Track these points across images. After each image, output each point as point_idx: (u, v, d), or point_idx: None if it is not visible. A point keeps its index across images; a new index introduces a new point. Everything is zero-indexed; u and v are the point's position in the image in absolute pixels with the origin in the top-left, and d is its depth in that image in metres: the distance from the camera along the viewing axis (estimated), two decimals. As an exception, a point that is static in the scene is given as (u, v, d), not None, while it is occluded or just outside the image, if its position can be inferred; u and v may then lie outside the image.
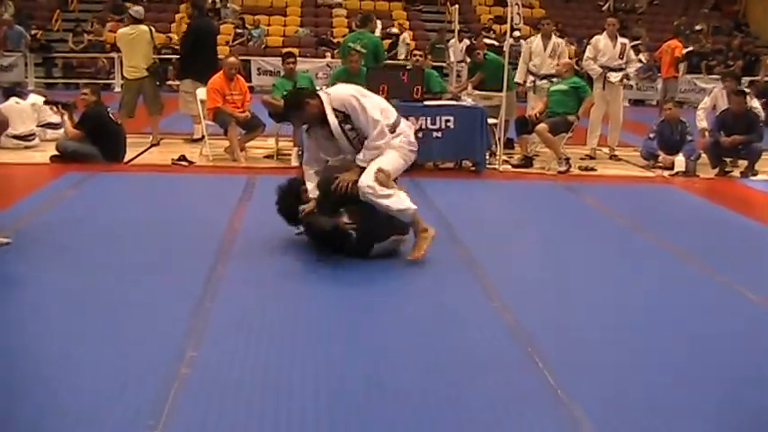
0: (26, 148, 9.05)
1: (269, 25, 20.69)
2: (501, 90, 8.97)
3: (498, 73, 9.09)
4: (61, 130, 9.25)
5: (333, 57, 17.75)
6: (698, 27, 20.25)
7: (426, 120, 8.09)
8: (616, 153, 9.99)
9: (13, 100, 9.40)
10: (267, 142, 9.50)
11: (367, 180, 4.86)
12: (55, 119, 9.62)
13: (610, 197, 7.70)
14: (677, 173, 8.84)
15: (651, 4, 23.35)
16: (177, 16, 19.59)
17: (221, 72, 8.87)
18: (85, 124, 8.24)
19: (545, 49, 9.94)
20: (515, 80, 10.02)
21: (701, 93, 16.06)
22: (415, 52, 10.07)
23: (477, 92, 9.72)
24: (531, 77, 10.03)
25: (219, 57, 10.36)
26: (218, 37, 13.70)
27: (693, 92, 17.50)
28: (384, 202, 4.87)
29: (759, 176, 8.86)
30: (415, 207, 4.99)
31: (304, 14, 21.62)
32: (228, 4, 20.74)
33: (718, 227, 6.66)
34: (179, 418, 2.89)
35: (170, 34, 18.36)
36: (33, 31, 18.46)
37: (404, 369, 3.41)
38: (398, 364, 3.47)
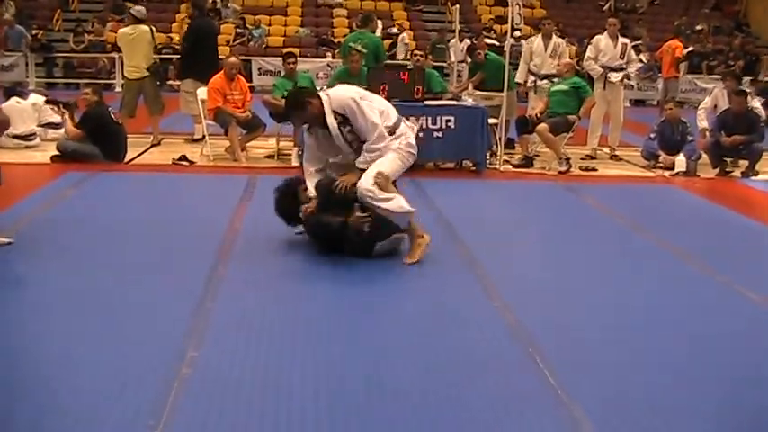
0: (27, 147, 9.05)
1: (270, 25, 20.70)
2: (502, 90, 8.97)
3: (499, 73, 9.09)
4: (62, 130, 9.25)
5: (333, 57, 17.76)
6: (699, 27, 20.25)
7: (427, 120, 8.09)
8: (617, 153, 9.99)
9: (13, 100, 9.41)
10: (268, 142, 9.50)
11: (366, 183, 4.86)
12: (56, 119, 9.63)
13: (610, 197, 7.69)
14: (678, 173, 8.84)
15: (652, 4, 23.34)
16: (178, 16, 19.59)
17: (222, 72, 8.87)
18: (87, 124, 8.25)
19: (546, 49, 9.94)
20: (516, 80, 10.02)
21: (701, 93, 16.04)
22: (416, 52, 10.06)
23: (477, 92, 9.71)
24: (531, 77, 10.03)
25: (220, 57, 10.37)
26: (219, 37, 13.70)
27: (694, 92, 17.50)
28: (383, 205, 4.88)
29: (760, 176, 8.85)
30: (413, 210, 4.99)
31: (305, 14, 21.63)
32: (229, 4, 20.75)
33: (718, 227, 6.66)
34: (179, 418, 2.90)
35: (171, 34, 18.37)
36: (34, 31, 18.49)
37: (404, 369, 3.41)
38: (398, 364, 3.47)
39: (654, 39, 19.25)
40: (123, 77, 10.70)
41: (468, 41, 13.78)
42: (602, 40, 10.03)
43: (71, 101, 9.14)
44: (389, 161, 4.99)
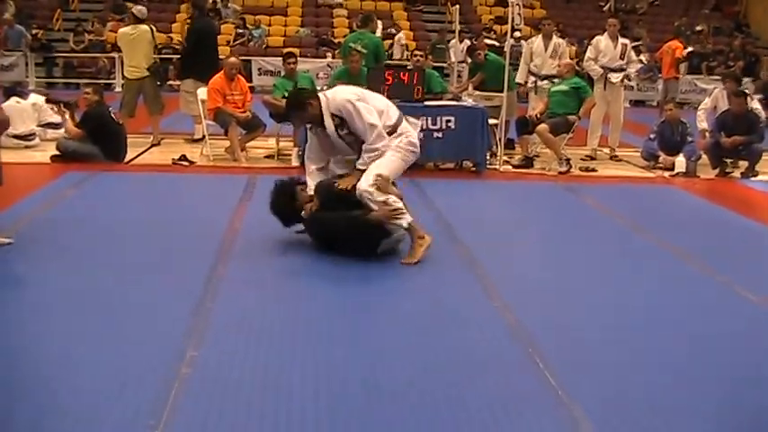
0: (27, 147, 9.05)
1: (270, 25, 20.71)
2: (502, 90, 8.97)
3: (499, 73, 9.09)
4: (62, 130, 9.25)
5: (334, 57, 17.76)
6: (698, 28, 20.25)
7: (427, 120, 8.08)
8: (617, 154, 10.00)
9: (13, 99, 9.41)
10: (268, 142, 9.51)
11: (365, 185, 4.86)
12: (55, 119, 9.63)
13: (610, 198, 7.69)
14: (678, 173, 8.85)
15: (652, 5, 23.35)
16: (178, 16, 19.61)
17: (222, 72, 8.88)
18: (87, 124, 8.25)
19: (546, 49, 9.95)
20: (517, 80, 10.03)
21: (701, 93, 16.04)
22: (416, 52, 10.06)
23: (477, 92, 9.72)
24: (532, 78, 10.04)
25: (220, 57, 10.37)
26: (219, 37, 13.73)
27: (694, 92, 17.50)
28: (381, 207, 4.88)
29: (759, 177, 8.85)
30: (409, 219, 4.99)
31: (305, 14, 21.63)
32: (229, 5, 20.76)
33: (718, 227, 6.66)
34: (179, 418, 2.90)
35: (171, 34, 18.39)
36: (34, 31, 18.49)
37: (403, 369, 3.41)
38: (398, 364, 3.47)
39: (654, 39, 19.25)
40: (123, 77, 10.69)
41: (468, 42, 13.79)
42: (603, 40, 10.03)
43: (72, 100, 9.14)
44: (389, 161, 4.99)
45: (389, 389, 3.21)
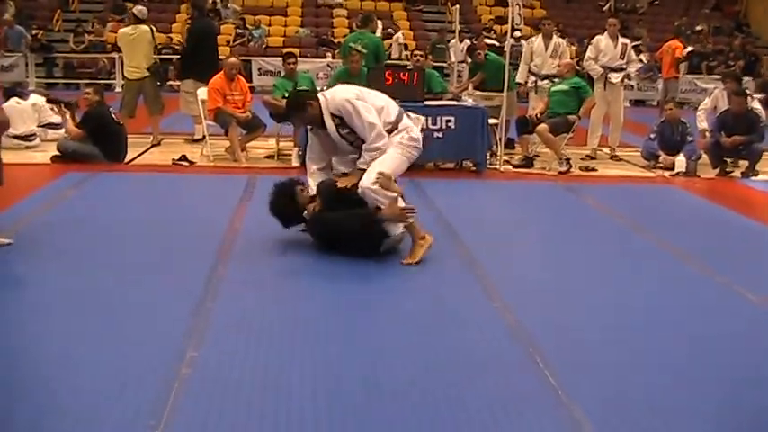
0: (27, 148, 9.05)
1: (270, 25, 20.71)
2: (502, 90, 8.96)
3: (499, 73, 9.09)
4: (62, 131, 9.26)
5: (333, 57, 17.76)
6: (699, 27, 20.25)
7: (427, 120, 8.07)
8: (617, 153, 10.00)
9: (13, 100, 9.41)
10: (268, 142, 9.51)
11: (367, 182, 4.86)
12: (56, 119, 9.63)
13: (610, 197, 7.69)
14: (678, 173, 8.84)
15: (652, 5, 23.35)
16: (178, 16, 19.61)
17: (222, 72, 8.87)
18: (88, 124, 8.25)
19: (546, 49, 9.96)
20: (517, 80, 10.03)
21: (701, 93, 16.05)
22: (416, 52, 10.06)
23: (477, 92, 9.72)
24: (532, 78, 10.04)
25: (220, 57, 10.37)
26: (219, 37, 13.73)
27: (694, 92, 17.50)
28: (384, 202, 4.88)
29: (760, 177, 8.85)
30: (411, 220, 5.00)
31: (305, 15, 21.64)
32: (229, 5, 20.76)
33: (718, 227, 6.66)
34: (179, 418, 2.90)
35: (171, 34, 18.38)
36: (34, 32, 18.49)
37: (403, 369, 3.42)
38: (398, 364, 3.47)
39: (654, 39, 19.26)
40: (123, 77, 10.70)
41: (468, 42, 13.79)
42: (603, 40, 10.03)
43: (72, 100, 9.13)
44: (391, 159, 4.99)
45: (389, 388, 3.21)
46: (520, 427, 2.98)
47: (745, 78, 14.46)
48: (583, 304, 4.44)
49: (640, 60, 15.06)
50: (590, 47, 10.31)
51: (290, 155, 8.79)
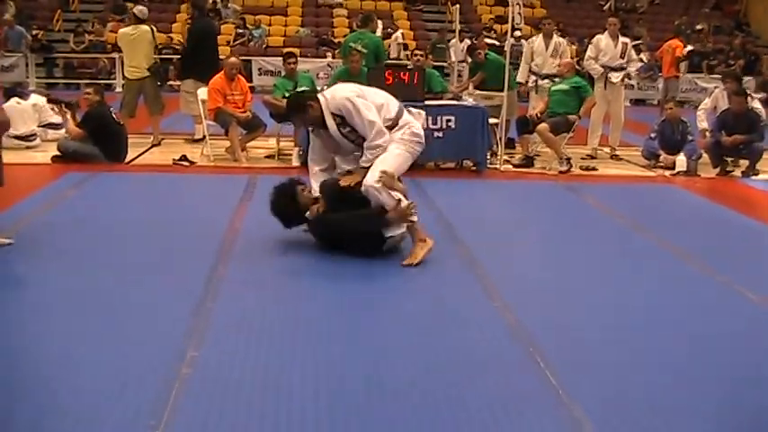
0: (27, 148, 9.06)
1: (270, 25, 20.71)
2: (502, 90, 8.96)
3: (499, 73, 9.08)
4: (62, 131, 9.26)
5: (334, 57, 17.77)
6: (699, 26, 20.26)
7: (427, 120, 8.05)
8: (617, 153, 9.99)
9: (14, 100, 9.41)
10: (268, 142, 9.51)
11: (371, 181, 4.86)
12: (56, 119, 9.63)
13: (611, 197, 7.70)
14: (678, 172, 8.84)
15: (652, 4, 23.35)
16: (178, 16, 19.61)
17: (222, 72, 8.87)
18: (88, 124, 8.25)
19: (547, 48, 9.96)
20: (518, 80, 10.03)
21: (702, 92, 16.06)
22: (416, 52, 10.07)
23: (478, 92, 9.71)
24: (533, 77, 10.04)
25: (221, 57, 10.37)
26: (220, 37, 13.73)
27: (695, 91, 17.50)
28: (387, 201, 4.88)
29: (760, 176, 8.85)
30: (414, 219, 5.00)
31: (305, 14, 21.63)
32: (229, 5, 20.76)
33: (719, 226, 6.66)
34: (180, 419, 2.90)
35: (171, 34, 18.38)
36: (34, 32, 18.49)
37: (404, 369, 3.42)
38: (398, 364, 3.47)
39: (654, 38, 19.26)
40: (124, 77, 10.70)
41: (468, 41, 13.81)
42: (603, 39, 10.03)
43: (73, 100, 9.13)
44: (394, 156, 4.98)
45: (390, 388, 3.21)
46: (520, 427, 2.99)
47: (746, 78, 14.45)
48: (583, 304, 4.44)
49: (641, 60, 15.06)
50: (590, 46, 10.32)
51: (291, 155, 8.79)
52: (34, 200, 6.51)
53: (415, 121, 5.20)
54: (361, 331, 3.91)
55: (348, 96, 4.97)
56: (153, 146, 9.58)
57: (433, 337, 3.83)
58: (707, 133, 9.30)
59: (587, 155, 9.77)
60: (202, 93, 9.03)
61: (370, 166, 4.94)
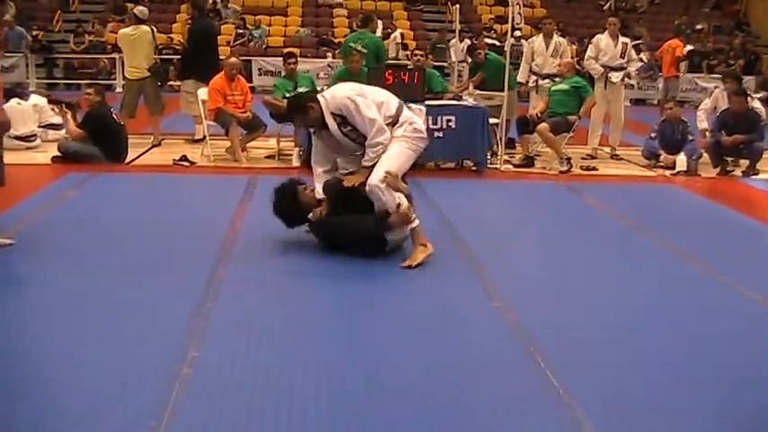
0: (27, 148, 9.06)
1: (270, 25, 20.70)
2: (502, 90, 8.96)
3: (499, 73, 9.08)
4: (62, 131, 9.26)
5: (334, 57, 17.76)
6: (699, 26, 20.26)
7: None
8: (617, 153, 9.99)
9: (14, 101, 9.40)
10: (268, 142, 9.51)
11: (375, 180, 4.86)
12: (56, 119, 9.63)
13: (611, 197, 7.69)
14: (679, 172, 8.84)
15: (652, 4, 23.34)
16: (178, 16, 19.61)
17: (222, 72, 8.87)
18: (89, 124, 8.25)
19: (547, 48, 9.97)
20: (518, 80, 10.04)
21: (702, 92, 16.06)
22: (417, 52, 10.07)
23: (478, 92, 9.71)
24: (533, 77, 10.04)
25: (221, 57, 10.37)
26: (220, 37, 13.72)
27: (695, 91, 17.49)
28: (390, 201, 4.88)
29: (761, 176, 8.85)
30: (416, 223, 5.00)
31: (305, 14, 21.63)
32: (229, 5, 20.75)
33: (719, 226, 6.66)
34: (180, 419, 2.90)
35: (171, 35, 18.38)
36: (34, 32, 18.47)
37: (404, 369, 3.42)
38: (399, 365, 3.47)
39: (654, 38, 19.24)
40: (124, 78, 10.70)
41: (468, 41, 13.81)
42: (603, 39, 10.04)
43: (74, 101, 9.13)
44: (397, 155, 4.97)
45: (390, 388, 3.21)
46: (521, 427, 2.99)
47: (746, 77, 14.46)
48: (584, 304, 4.44)
49: (641, 59, 15.06)
50: (590, 46, 10.32)
51: (291, 155, 8.80)
52: (35, 200, 6.51)
53: (416, 117, 5.20)
54: (361, 331, 3.91)
55: (348, 95, 4.97)
56: (153, 146, 9.59)
57: (434, 338, 3.83)
58: (707, 133, 9.30)
59: (588, 155, 9.77)
60: (203, 93, 9.03)
61: (372, 165, 4.93)
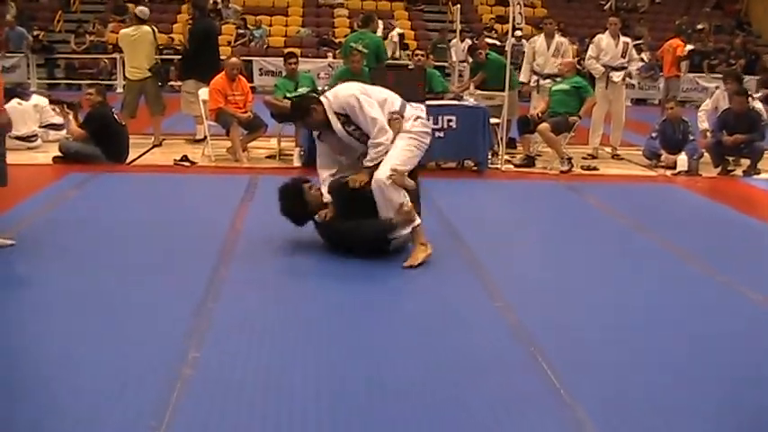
0: (29, 149, 9.07)
1: (270, 25, 20.69)
2: (503, 90, 8.95)
3: (500, 73, 9.08)
4: (63, 131, 9.27)
5: (335, 57, 17.75)
6: (700, 26, 20.25)
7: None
8: (618, 152, 9.99)
9: (15, 101, 9.40)
10: (269, 142, 9.52)
11: (382, 176, 4.85)
12: (57, 120, 9.63)
13: (612, 197, 7.69)
14: (680, 172, 8.84)
15: (653, 3, 23.32)
16: (179, 17, 19.60)
17: (223, 72, 8.87)
18: (90, 124, 8.25)
19: (548, 48, 9.97)
20: (520, 80, 10.04)
21: (703, 92, 16.06)
22: (417, 52, 10.07)
23: (479, 91, 9.71)
24: (534, 77, 10.05)
25: (221, 57, 10.37)
26: (220, 37, 13.72)
27: (696, 91, 17.49)
28: (396, 199, 4.88)
29: (762, 175, 8.85)
30: (418, 221, 5.00)
31: (306, 14, 21.62)
32: (230, 5, 20.75)
33: (720, 226, 6.66)
34: (181, 419, 2.90)
35: (172, 35, 18.37)
36: (35, 32, 18.47)
37: (405, 369, 3.42)
38: (400, 365, 3.47)
39: (655, 38, 19.23)
40: (125, 78, 10.70)
41: (469, 41, 13.81)
42: (604, 39, 10.03)
43: (75, 101, 9.14)
44: (403, 152, 4.96)
45: (391, 388, 3.22)
46: (522, 427, 2.99)
47: (747, 77, 14.45)
48: (584, 304, 4.44)
49: (642, 59, 15.06)
50: (591, 46, 10.31)
51: (292, 155, 8.80)
52: (36, 200, 6.51)
53: (419, 112, 5.20)
54: (362, 332, 3.91)
55: (353, 94, 4.96)
56: (154, 146, 9.59)
57: (435, 338, 3.84)
58: (708, 134, 9.30)
59: (588, 154, 9.76)
60: (203, 93, 9.03)
61: (375, 165, 4.93)
